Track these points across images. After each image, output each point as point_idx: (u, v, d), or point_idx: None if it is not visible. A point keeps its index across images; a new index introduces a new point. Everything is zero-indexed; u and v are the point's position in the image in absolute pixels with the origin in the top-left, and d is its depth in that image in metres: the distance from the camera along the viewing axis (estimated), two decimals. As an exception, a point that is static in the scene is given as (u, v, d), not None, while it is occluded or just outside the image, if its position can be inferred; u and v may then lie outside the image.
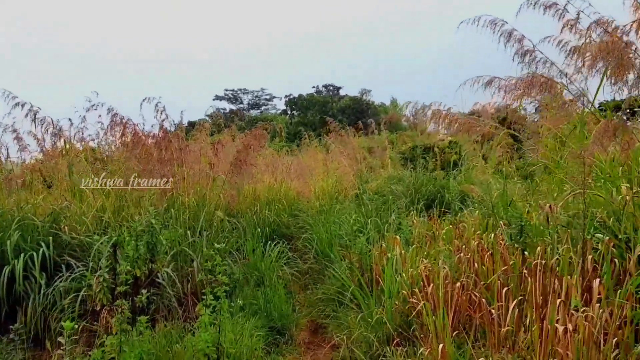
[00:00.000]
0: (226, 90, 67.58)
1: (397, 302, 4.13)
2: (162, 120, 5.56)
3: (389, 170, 9.86)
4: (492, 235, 4.13)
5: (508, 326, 2.99)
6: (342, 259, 6.49)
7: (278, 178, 9.91)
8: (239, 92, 68.11)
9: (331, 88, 62.43)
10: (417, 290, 3.99)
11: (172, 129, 5.90)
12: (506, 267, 3.60)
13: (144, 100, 5.44)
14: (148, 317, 4.31)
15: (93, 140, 6.80)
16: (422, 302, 3.43)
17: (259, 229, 6.86)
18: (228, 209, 6.92)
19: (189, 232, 5.52)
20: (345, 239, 6.90)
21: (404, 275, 4.12)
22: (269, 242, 6.96)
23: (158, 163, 5.26)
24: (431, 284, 3.62)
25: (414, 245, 4.78)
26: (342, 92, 60.61)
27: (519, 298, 3.10)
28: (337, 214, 7.87)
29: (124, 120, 5.40)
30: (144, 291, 3.76)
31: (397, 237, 4.96)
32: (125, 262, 3.92)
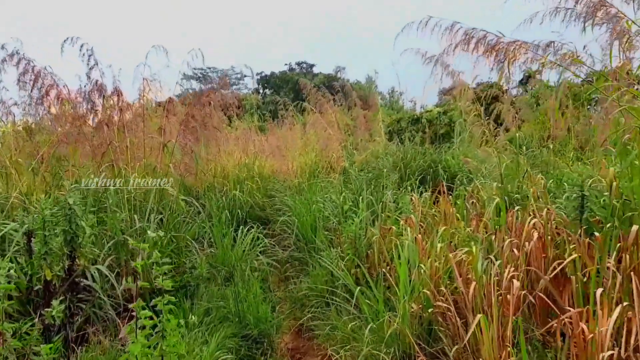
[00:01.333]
0: (194, 69, 64.89)
1: (414, 305, 3.03)
2: (91, 68, 4.21)
3: (381, 142, 8.73)
4: (545, 211, 3.04)
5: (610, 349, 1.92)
6: (331, 246, 5.39)
7: (250, 153, 8.70)
8: (208, 70, 65.50)
9: (304, 65, 60.63)
10: (444, 288, 2.90)
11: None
12: (577, 255, 2.52)
13: (64, 41, 4.05)
14: (74, 334, 3.12)
15: (17, 104, 5.44)
16: (478, 315, 2.31)
17: (227, 211, 5.66)
18: (188, 186, 5.72)
19: (136, 216, 4.30)
20: (333, 221, 5.78)
21: (424, 268, 3.01)
22: (241, 226, 5.80)
23: (88, 125, 3.98)
24: (473, 283, 2.52)
25: (439, 229, 3.64)
26: (315, 70, 58.82)
27: (626, 304, 2.04)
28: (322, 191, 6.73)
29: (36, 69, 4.04)
30: (55, 301, 2.55)
31: (412, 216, 3.83)
32: (31, 259, 2.69)
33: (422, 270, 3.01)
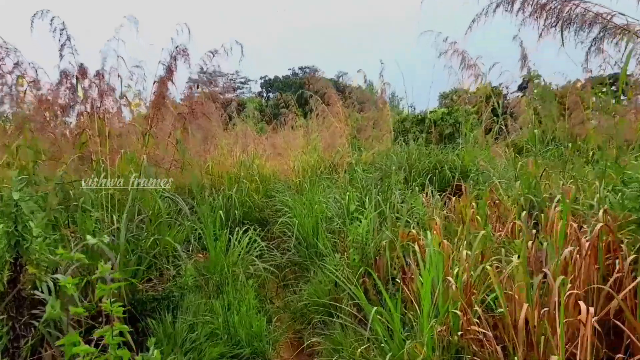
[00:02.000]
0: (200, 73, 64.45)
1: (439, 327, 2.47)
2: (62, 45, 3.66)
3: (389, 139, 8.18)
4: (601, 212, 2.47)
5: None
6: (335, 250, 4.84)
7: (249, 151, 8.16)
8: (214, 74, 65.05)
9: (307, 70, 60.22)
10: (478, 308, 2.34)
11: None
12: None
13: (34, 15, 3.49)
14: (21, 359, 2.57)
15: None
16: (553, 356, 1.75)
17: (221, 212, 5.11)
18: (179, 183, 5.18)
19: (115, 215, 3.76)
20: (337, 222, 5.23)
21: (454, 282, 2.44)
22: (237, 228, 5.25)
23: (58, 107, 3.42)
24: (524, 306, 1.96)
25: (473, 234, 3.05)
26: (318, 75, 58.32)
27: None
28: (325, 191, 6.18)
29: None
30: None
31: (436, 218, 3.26)
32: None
33: (451, 285, 2.44)
